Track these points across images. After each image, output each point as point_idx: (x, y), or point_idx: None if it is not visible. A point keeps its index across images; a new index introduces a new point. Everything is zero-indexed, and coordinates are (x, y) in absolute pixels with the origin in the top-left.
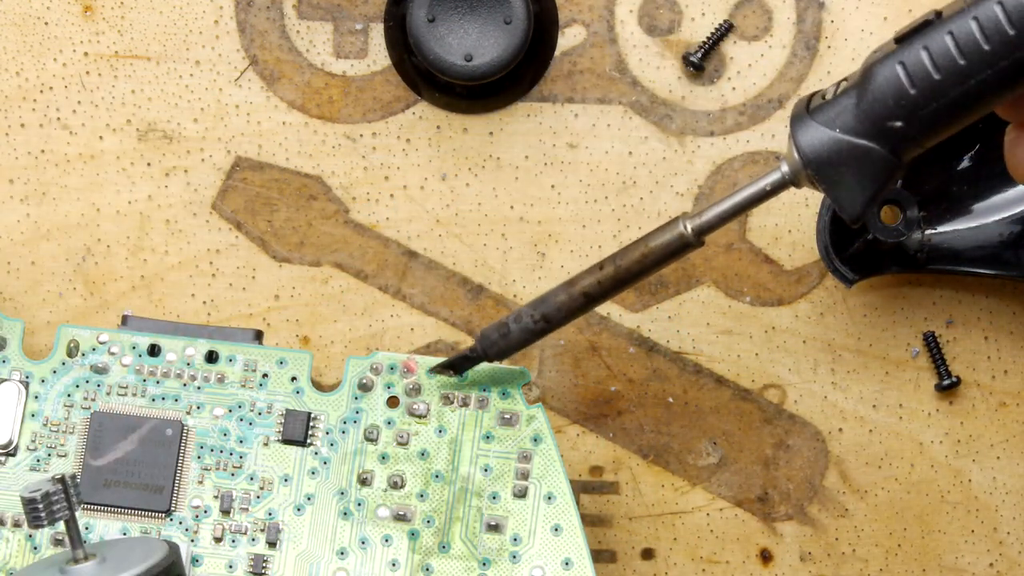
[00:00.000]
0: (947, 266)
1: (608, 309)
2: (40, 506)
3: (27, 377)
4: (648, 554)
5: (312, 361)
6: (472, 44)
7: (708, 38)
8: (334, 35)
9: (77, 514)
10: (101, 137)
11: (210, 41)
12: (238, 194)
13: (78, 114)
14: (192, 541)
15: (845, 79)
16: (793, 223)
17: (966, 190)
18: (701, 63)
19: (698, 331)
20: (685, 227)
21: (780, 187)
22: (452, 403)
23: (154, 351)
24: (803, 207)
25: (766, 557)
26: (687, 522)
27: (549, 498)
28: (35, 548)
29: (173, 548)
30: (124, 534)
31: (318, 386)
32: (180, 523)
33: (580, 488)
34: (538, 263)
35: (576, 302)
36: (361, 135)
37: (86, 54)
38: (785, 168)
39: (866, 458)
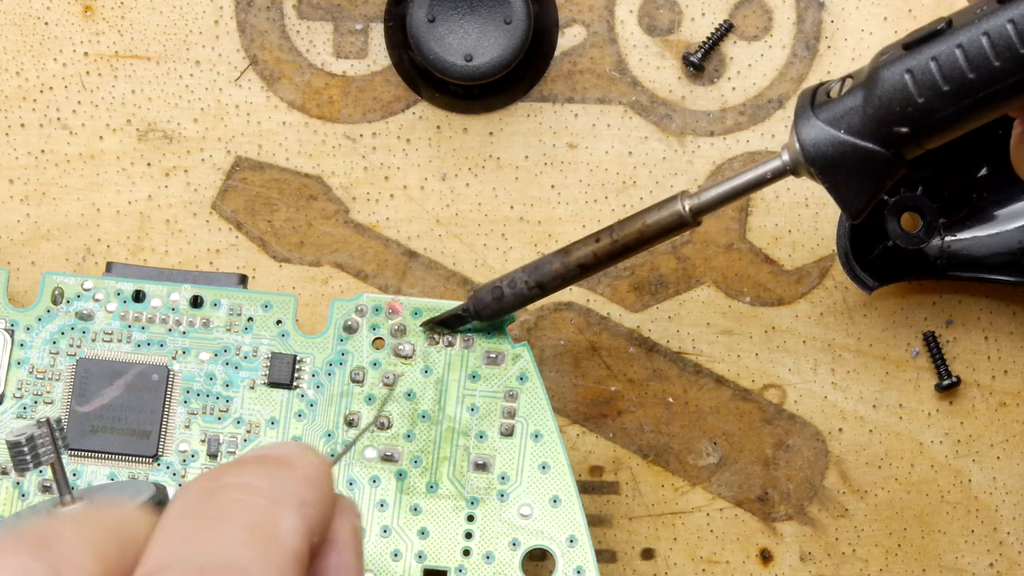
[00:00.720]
0: (967, 272)
1: (608, 309)
2: (25, 449)
3: (12, 325)
4: (648, 554)
5: (297, 304)
6: (472, 44)
7: (708, 38)
8: (334, 35)
9: (63, 458)
10: (101, 137)
11: (210, 41)
12: (238, 194)
13: (78, 114)
14: (180, 486)
15: (851, 76)
16: (793, 223)
17: (986, 197)
18: (701, 63)
19: (698, 331)
20: (683, 206)
21: (780, 175)
22: (438, 343)
23: (139, 297)
24: (803, 207)
25: (766, 557)
26: (687, 522)
27: (536, 436)
28: (23, 495)
29: (160, 489)
30: (112, 480)
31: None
32: (167, 468)
33: (580, 488)
34: None
35: (570, 272)
36: (361, 135)
37: (86, 54)
38: (786, 157)
39: (866, 458)
